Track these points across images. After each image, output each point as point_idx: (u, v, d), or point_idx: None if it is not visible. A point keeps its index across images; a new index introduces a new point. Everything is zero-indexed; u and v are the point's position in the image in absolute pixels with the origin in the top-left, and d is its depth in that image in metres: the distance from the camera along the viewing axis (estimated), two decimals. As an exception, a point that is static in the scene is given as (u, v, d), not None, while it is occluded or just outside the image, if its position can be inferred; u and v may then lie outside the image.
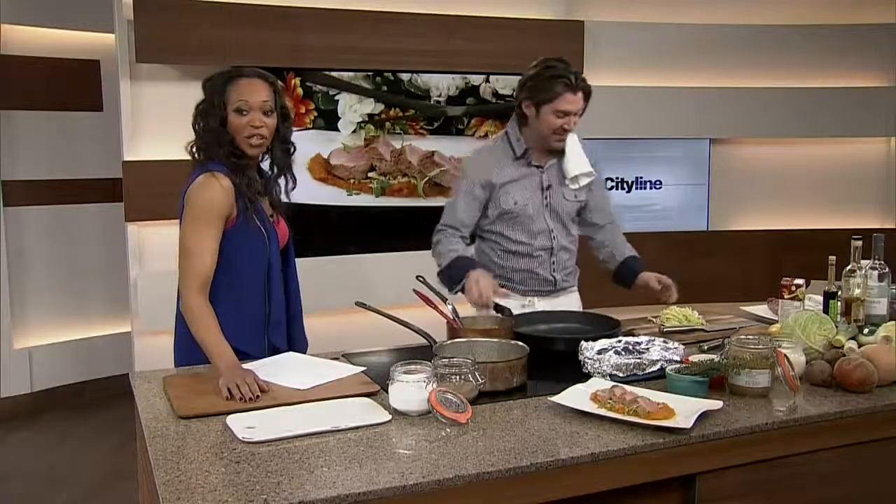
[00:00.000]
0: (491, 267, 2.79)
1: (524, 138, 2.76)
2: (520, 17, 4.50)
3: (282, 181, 2.39)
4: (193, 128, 2.28)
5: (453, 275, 2.67)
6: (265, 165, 2.40)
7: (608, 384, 1.94)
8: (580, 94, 2.66)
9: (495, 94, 4.53)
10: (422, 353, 2.11)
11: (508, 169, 2.77)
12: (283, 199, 2.42)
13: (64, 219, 4.83)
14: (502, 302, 2.58)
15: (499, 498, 1.56)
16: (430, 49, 4.35)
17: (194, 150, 2.28)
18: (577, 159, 2.77)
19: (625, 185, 4.98)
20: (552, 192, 2.80)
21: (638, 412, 1.76)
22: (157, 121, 3.90)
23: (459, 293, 2.64)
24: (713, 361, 2.00)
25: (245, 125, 2.23)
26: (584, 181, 2.80)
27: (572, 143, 2.76)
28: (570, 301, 2.90)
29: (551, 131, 2.69)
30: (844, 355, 2.08)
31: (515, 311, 2.54)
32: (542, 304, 2.79)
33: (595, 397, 1.85)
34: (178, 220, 2.26)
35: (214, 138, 2.22)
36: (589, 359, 2.09)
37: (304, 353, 2.41)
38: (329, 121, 4.28)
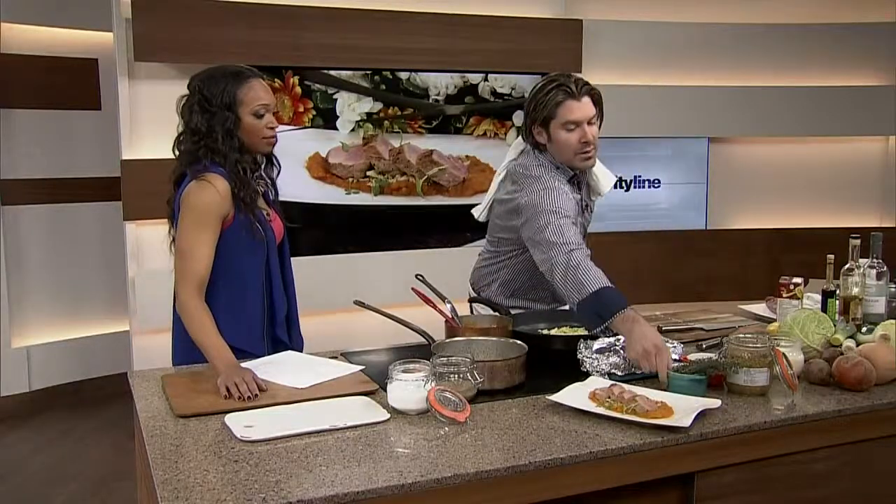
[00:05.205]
0: (503, 275, 2.60)
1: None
2: (518, 15, 4.50)
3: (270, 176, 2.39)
4: (193, 128, 2.22)
5: (599, 312, 2.10)
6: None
7: (607, 383, 1.94)
8: (586, 100, 2.38)
9: (494, 92, 4.52)
10: (420, 351, 2.10)
11: (567, 188, 2.44)
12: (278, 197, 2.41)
13: (62, 218, 4.82)
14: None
15: (497, 496, 1.56)
16: (428, 48, 4.35)
17: (199, 150, 2.21)
18: (604, 172, 2.57)
19: (623, 184, 4.97)
20: (586, 212, 2.60)
21: (636, 411, 1.76)
22: (155, 119, 3.89)
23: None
24: (711, 360, 2.00)
25: (263, 127, 2.25)
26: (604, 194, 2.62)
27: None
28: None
29: (572, 152, 2.40)
30: (843, 354, 2.08)
31: None
32: None
33: (593, 396, 1.85)
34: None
35: (229, 145, 2.20)
36: (587, 357, 2.09)
37: (301, 349, 2.40)
38: (327, 119, 4.28)
